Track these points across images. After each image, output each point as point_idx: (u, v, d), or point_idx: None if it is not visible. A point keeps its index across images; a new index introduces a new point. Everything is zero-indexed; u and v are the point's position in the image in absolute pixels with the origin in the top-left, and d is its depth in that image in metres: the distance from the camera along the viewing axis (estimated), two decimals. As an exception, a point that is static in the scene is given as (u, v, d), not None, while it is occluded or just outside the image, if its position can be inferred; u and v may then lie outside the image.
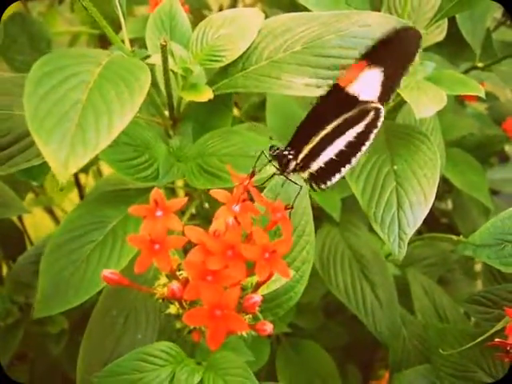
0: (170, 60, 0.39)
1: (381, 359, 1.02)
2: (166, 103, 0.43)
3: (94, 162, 0.91)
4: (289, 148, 0.35)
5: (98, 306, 0.45)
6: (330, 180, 0.36)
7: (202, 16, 1.04)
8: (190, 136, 0.44)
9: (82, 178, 0.99)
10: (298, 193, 0.38)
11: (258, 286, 0.29)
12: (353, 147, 0.35)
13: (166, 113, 0.43)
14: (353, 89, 0.35)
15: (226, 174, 0.39)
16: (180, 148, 0.43)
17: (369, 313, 0.57)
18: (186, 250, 0.29)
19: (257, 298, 0.26)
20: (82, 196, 0.99)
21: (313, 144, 0.35)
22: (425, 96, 0.42)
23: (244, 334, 0.28)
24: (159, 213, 0.27)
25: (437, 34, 0.61)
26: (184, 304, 0.28)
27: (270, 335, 0.66)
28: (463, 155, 0.77)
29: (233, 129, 0.45)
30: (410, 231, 0.41)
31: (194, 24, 0.44)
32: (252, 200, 0.31)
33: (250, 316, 0.29)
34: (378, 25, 0.39)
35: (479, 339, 0.44)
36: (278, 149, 0.35)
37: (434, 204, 0.43)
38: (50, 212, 1.03)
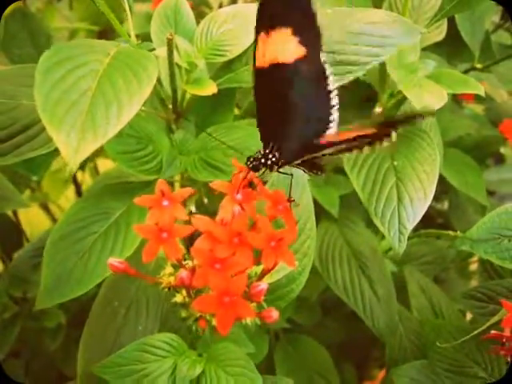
0: (175, 54, 0.39)
1: (375, 359, 1.02)
2: (170, 97, 0.43)
3: (91, 158, 0.92)
4: (266, 151, 0.33)
5: (99, 296, 0.45)
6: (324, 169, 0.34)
7: (201, 13, 1.05)
8: (193, 130, 0.44)
9: (79, 175, 0.99)
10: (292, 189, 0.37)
11: (262, 274, 0.29)
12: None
13: (170, 106, 0.44)
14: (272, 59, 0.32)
15: (229, 167, 0.40)
16: (183, 141, 0.43)
17: (367, 308, 0.57)
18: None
19: (263, 285, 0.27)
20: (78, 193, 0.98)
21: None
22: (426, 93, 0.43)
23: (249, 322, 0.28)
24: (165, 203, 0.27)
25: (436, 34, 0.62)
26: (191, 292, 0.29)
27: (269, 330, 0.67)
28: (461, 155, 0.78)
29: (235, 123, 0.45)
30: (410, 226, 0.41)
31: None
32: (252, 187, 0.31)
33: (255, 305, 0.29)
34: (382, 22, 0.40)
35: (475, 332, 0.44)
36: (253, 159, 0.33)
37: (430, 204, 0.44)
38: (46, 209, 1.03)
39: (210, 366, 0.37)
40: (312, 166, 0.34)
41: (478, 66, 0.77)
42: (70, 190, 1.05)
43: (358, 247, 0.60)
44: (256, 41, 0.32)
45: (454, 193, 0.85)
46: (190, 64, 0.41)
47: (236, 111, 0.76)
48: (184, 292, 0.29)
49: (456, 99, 0.93)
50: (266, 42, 0.32)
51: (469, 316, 0.77)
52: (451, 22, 0.66)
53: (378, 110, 0.57)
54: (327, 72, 0.33)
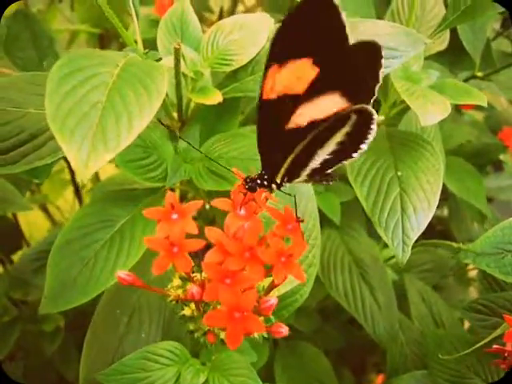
0: (181, 63, 0.39)
1: (373, 364, 1.02)
2: (175, 105, 0.43)
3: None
4: (263, 173, 0.33)
5: (101, 304, 0.45)
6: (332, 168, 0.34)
7: (203, 18, 1.05)
8: (198, 138, 0.44)
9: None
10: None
11: (270, 288, 0.30)
12: (348, 143, 0.32)
13: (175, 114, 0.44)
14: (306, 117, 0.31)
15: (234, 176, 0.40)
16: (188, 149, 0.43)
17: (368, 316, 0.58)
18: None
19: (273, 300, 0.27)
20: (77, 194, 0.98)
21: (288, 163, 0.33)
22: (430, 104, 0.43)
23: (256, 335, 0.28)
24: (175, 216, 0.27)
25: (439, 43, 0.62)
26: (200, 306, 0.29)
27: (268, 337, 0.66)
28: (461, 162, 0.78)
29: (240, 132, 0.45)
30: (414, 236, 0.41)
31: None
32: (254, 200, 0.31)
33: (262, 318, 0.29)
34: (386, 34, 0.40)
35: (477, 345, 0.45)
36: (250, 180, 0.33)
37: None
38: (45, 210, 1.03)
39: (214, 375, 0.37)
40: (320, 179, 0.34)
41: (479, 74, 0.77)
42: (68, 192, 1.05)
43: (359, 255, 0.61)
44: (266, 72, 0.30)
45: (454, 200, 0.86)
46: (196, 73, 0.41)
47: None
48: (192, 305, 0.29)
49: (456, 106, 0.94)
50: (276, 75, 0.30)
51: (467, 324, 0.77)
52: (452, 31, 0.66)
53: (380, 118, 0.57)
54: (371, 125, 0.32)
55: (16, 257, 0.84)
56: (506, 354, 0.40)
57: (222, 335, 0.30)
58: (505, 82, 0.89)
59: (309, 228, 0.39)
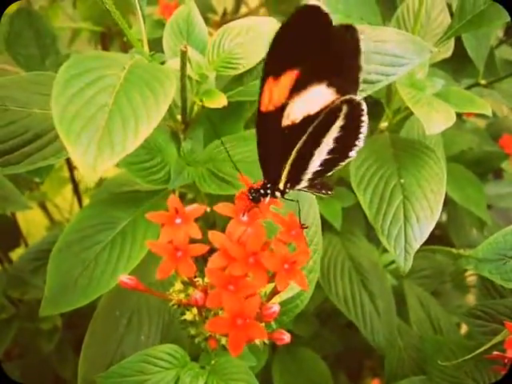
0: (187, 65, 0.39)
1: (370, 368, 1.03)
2: (179, 107, 0.43)
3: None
4: (265, 181, 0.33)
5: (101, 306, 0.45)
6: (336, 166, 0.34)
7: (207, 19, 1.05)
8: (201, 141, 0.44)
9: (77, 174, 0.99)
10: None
11: (272, 294, 0.29)
12: (345, 140, 0.32)
13: (179, 117, 0.44)
14: (296, 116, 0.31)
15: (237, 180, 0.40)
16: (191, 152, 0.43)
17: (367, 322, 0.58)
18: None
19: (276, 307, 0.27)
20: (76, 192, 0.98)
21: (287, 170, 0.33)
22: (435, 113, 0.43)
23: (257, 341, 0.28)
24: (178, 220, 0.27)
25: (443, 51, 0.62)
26: (202, 312, 0.29)
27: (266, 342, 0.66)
28: (462, 170, 0.78)
29: (244, 135, 0.45)
30: (417, 245, 0.41)
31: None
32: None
33: (263, 324, 0.29)
34: (394, 41, 0.40)
35: (477, 352, 0.45)
36: (254, 190, 0.32)
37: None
38: (43, 208, 1.03)
39: (213, 379, 0.37)
40: (321, 187, 0.34)
41: (482, 82, 0.77)
42: (67, 190, 1.05)
43: (359, 261, 0.61)
44: (262, 85, 0.30)
45: (453, 206, 0.86)
46: (201, 76, 0.41)
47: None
48: (194, 310, 0.29)
49: (457, 113, 0.94)
50: (273, 88, 0.30)
51: (464, 328, 0.77)
52: (456, 38, 0.66)
53: (383, 124, 0.57)
54: (361, 117, 0.32)
55: (14, 255, 0.84)
56: (506, 361, 0.40)
57: (224, 341, 0.30)
58: (508, 90, 0.89)
59: (310, 234, 0.39)
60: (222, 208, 0.30)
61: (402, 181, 0.44)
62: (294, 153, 0.32)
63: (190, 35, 0.43)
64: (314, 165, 0.33)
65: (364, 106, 0.31)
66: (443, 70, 0.74)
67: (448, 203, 0.85)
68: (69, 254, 0.39)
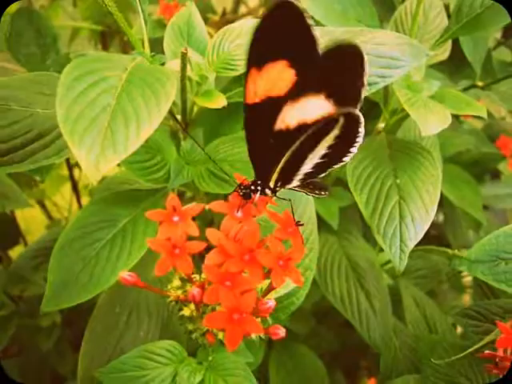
0: (187, 66, 0.40)
1: (364, 368, 1.03)
2: (179, 107, 0.44)
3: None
4: (256, 179, 0.34)
5: (101, 302, 0.46)
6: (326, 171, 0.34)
7: (206, 19, 1.06)
8: (201, 140, 0.45)
9: (76, 172, 1.00)
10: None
11: (268, 290, 0.30)
12: (340, 145, 0.32)
13: (179, 117, 0.44)
14: (292, 122, 0.32)
15: (235, 179, 0.40)
16: (190, 152, 0.44)
17: (363, 320, 0.58)
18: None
19: (271, 302, 0.28)
20: (75, 189, 0.99)
21: (279, 169, 0.33)
22: (431, 115, 0.43)
23: (253, 336, 0.29)
24: (176, 218, 0.28)
25: (440, 53, 0.63)
26: (199, 307, 0.29)
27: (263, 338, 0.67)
28: (459, 171, 0.79)
29: (242, 135, 0.46)
30: (411, 244, 0.42)
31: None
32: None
33: (259, 319, 0.30)
34: (390, 44, 0.41)
35: (469, 350, 0.45)
36: (244, 187, 0.33)
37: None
38: (42, 205, 1.03)
39: (210, 375, 0.37)
40: (314, 188, 0.35)
41: (479, 83, 0.78)
42: (66, 188, 1.05)
43: (356, 260, 0.61)
44: (246, 78, 0.31)
45: (450, 206, 0.86)
46: (201, 77, 0.41)
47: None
48: (192, 306, 0.30)
49: (455, 114, 0.94)
50: (257, 79, 0.31)
51: (460, 328, 0.78)
52: (454, 40, 0.67)
53: (380, 125, 0.58)
54: (358, 128, 0.32)
55: (13, 253, 0.85)
56: (497, 360, 0.41)
57: (221, 336, 0.31)
58: (505, 91, 0.89)
59: (306, 232, 0.40)
60: (216, 205, 0.31)
61: (398, 181, 0.45)
62: (286, 155, 0.32)
63: (191, 37, 0.44)
64: (307, 167, 0.33)
65: (362, 120, 0.32)
66: (440, 72, 0.75)
67: (445, 204, 0.86)
68: (70, 251, 0.40)
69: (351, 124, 0.32)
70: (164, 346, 0.38)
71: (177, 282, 0.31)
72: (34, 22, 0.84)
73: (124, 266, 0.39)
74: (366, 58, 0.31)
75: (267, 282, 0.31)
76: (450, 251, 0.51)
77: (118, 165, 0.47)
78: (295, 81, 0.31)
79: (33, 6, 0.89)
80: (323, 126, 0.31)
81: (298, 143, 0.32)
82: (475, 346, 0.44)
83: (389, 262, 0.70)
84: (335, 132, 0.31)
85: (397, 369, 0.62)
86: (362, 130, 0.32)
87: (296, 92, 0.31)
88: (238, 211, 0.30)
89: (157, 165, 0.42)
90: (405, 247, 0.42)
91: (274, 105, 0.32)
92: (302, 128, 0.32)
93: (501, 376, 0.43)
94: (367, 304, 0.59)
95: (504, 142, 0.92)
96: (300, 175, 0.34)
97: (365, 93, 0.32)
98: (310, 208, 0.44)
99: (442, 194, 0.74)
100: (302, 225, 0.31)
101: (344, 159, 0.33)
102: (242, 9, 1.15)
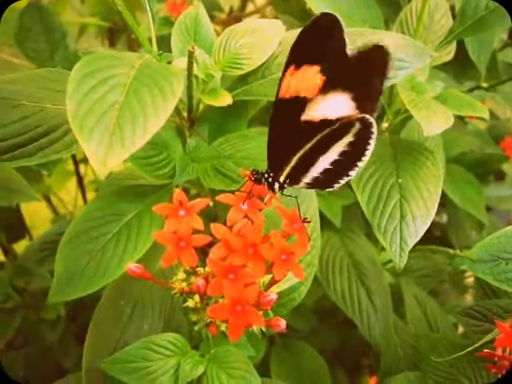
0: (194, 64, 0.41)
1: (366, 366, 1.04)
2: (186, 104, 0.44)
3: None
4: (269, 171, 0.35)
5: (106, 295, 0.47)
6: (338, 183, 0.36)
7: (213, 17, 1.06)
8: (206, 138, 0.46)
9: (82, 167, 1.01)
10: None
11: (270, 284, 0.31)
12: (350, 155, 0.35)
13: (185, 114, 0.45)
14: (316, 115, 0.33)
15: (241, 176, 0.41)
16: (196, 149, 0.45)
17: (364, 318, 0.59)
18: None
19: (273, 295, 0.28)
20: (80, 186, 1.00)
21: (292, 164, 0.35)
22: (433, 115, 0.44)
23: (255, 329, 0.30)
24: (182, 212, 0.29)
25: (445, 54, 0.63)
26: (204, 299, 0.30)
27: (265, 334, 0.68)
28: (462, 172, 0.79)
29: (247, 133, 0.46)
30: (412, 242, 0.43)
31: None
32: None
33: (261, 313, 0.30)
34: (395, 46, 0.41)
35: (468, 349, 0.46)
36: (256, 172, 0.35)
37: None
38: (47, 200, 1.04)
39: (212, 367, 0.38)
40: (322, 185, 0.36)
41: (484, 84, 0.78)
42: (71, 183, 1.06)
43: (358, 258, 0.62)
44: (285, 72, 0.33)
45: (453, 207, 0.87)
46: (207, 75, 0.42)
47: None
48: (196, 297, 0.31)
49: (459, 116, 0.95)
50: (293, 75, 0.33)
51: (461, 329, 0.78)
52: (458, 40, 0.67)
53: (384, 125, 0.58)
54: (371, 134, 0.34)
55: (17, 246, 0.86)
56: (496, 359, 0.42)
57: (223, 327, 0.32)
58: (510, 93, 0.90)
59: (309, 229, 0.40)
60: (223, 197, 0.31)
61: (400, 180, 0.46)
62: (300, 152, 0.34)
63: (198, 35, 0.44)
64: (316, 170, 0.35)
65: (375, 128, 0.33)
66: (445, 72, 0.75)
67: (448, 205, 0.86)
68: (77, 244, 0.41)
69: (365, 131, 0.33)
70: (168, 338, 0.39)
71: (181, 275, 0.32)
72: (42, 17, 0.85)
73: (129, 260, 0.40)
74: (390, 62, 0.33)
75: (270, 276, 0.31)
76: (451, 251, 0.51)
77: (125, 161, 0.48)
78: (323, 84, 0.33)
79: (42, 2, 0.90)
80: (339, 127, 0.33)
81: (313, 141, 0.34)
82: (475, 345, 0.45)
83: (390, 260, 0.71)
84: (349, 138, 0.34)
85: (397, 366, 0.63)
86: (373, 139, 0.34)
87: (323, 91, 0.33)
88: (244, 204, 0.31)
89: (163, 161, 0.43)
90: (405, 245, 0.42)
91: (299, 103, 0.33)
92: (323, 124, 0.34)
93: (499, 376, 0.43)
94: (368, 301, 0.60)
95: (509, 144, 0.92)
96: (308, 177, 0.35)
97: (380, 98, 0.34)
98: (313, 206, 0.44)
99: (445, 195, 0.75)
100: (309, 222, 0.32)
101: (350, 173, 0.35)
102: (249, 7, 1.16)
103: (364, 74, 0.33)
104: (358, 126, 0.33)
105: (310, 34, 0.32)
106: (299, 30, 0.36)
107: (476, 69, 0.73)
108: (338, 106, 0.33)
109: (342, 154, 0.34)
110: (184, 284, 0.31)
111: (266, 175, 0.35)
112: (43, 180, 0.97)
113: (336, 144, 0.34)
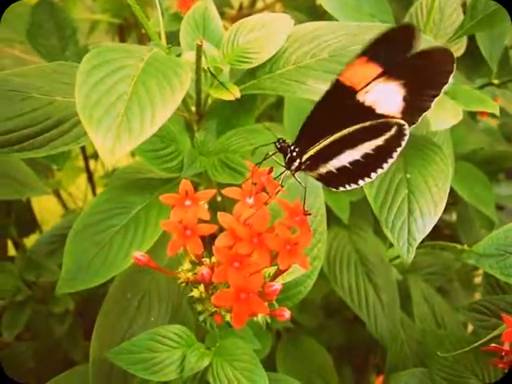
0: (202, 58, 0.41)
1: (373, 365, 1.03)
2: (194, 98, 0.45)
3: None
4: (294, 145, 0.35)
5: (114, 287, 0.47)
6: (344, 187, 0.36)
7: (223, 13, 1.07)
8: (214, 132, 0.46)
9: (92, 163, 1.01)
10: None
11: (276, 275, 0.31)
12: (372, 161, 0.35)
13: (193, 108, 0.45)
14: (367, 99, 0.34)
15: (248, 170, 0.41)
16: (204, 142, 0.45)
17: (370, 314, 0.59)
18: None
19: (277, 285, 0.29)
20: (90, 181, 1.00)
21: (319, 147, 0.35)
22: (442, 110, 0.44)
23: (260, 319, 0.30)
24: (188, 202, 0.29)
25: (455, 49, 0.63)
26: (209, 288, 0.30)
27: (271, 329, 0.68)
28: (472, 169, 0.79)
29: (255, 128, 0.47)
30: (419, 238, 0.42)
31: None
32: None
33: (266, 303, 0.30)
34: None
35: (475, 345, 0.46)
36: (284, 141, 0.35)
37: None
38: (57, 196, 1.05)
39: (217, 360, 0.38)
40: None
41: (496, 81, 0.77)
42: (81, 178, 1.07)
43: (365, 254, 0.62)
44: (355, 59, 0.33)
45: (463, 205, 0.86)
46: (216, 69, 0.42)
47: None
48: (201, 287, 0.31)
49: (471, 113, 0.94)
50: (361, 66, 0.33)
51: (470, 328, 0.78)
52: (470, 37, 0.67)
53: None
54: (402, 142, 0.35)
55: (28, 240, 0.86)
56: (503, 354, 0.42)
57: (228, 317, 0.32)
58: (523, 91, 0.89)
59: (315, 223, 0.41)
60: (230, 191, 0.32)
61: (408, 176, 0.45)
62: (331, 138, 0.34)
63: (206, 29, 0.45)
64: (335, 163, 0.35)
65: (405, 141, 0.34)
66: (456, 69, 0.75)
67: (458, 202, 0.86)
68: (85, 236, 0.41)
69: (397, 137, 0.34)
70: (174, 330, 0.39)
71: (187, 265, 0.32)
72: (54, 14, 0.86)
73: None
74: (453, 66, 0.34)
75: (275, 268, 0.32)
76: (458, 246, 0.51)
77: (133, 154, 0.48)
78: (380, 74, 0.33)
79: (54, -1, 0.90)
80: (377, 126, 0.34)
81: (349, 129, 0.34)
82: (481, 341, 0.45)
83: (398, 256, 0.70)
84: (379, 141, 0.34)
85: (404, 363, 0.63)
86: (400, 148, 0.34)
87: (386, 75, 0.33)
88: (250, 198, 0.32)
89: (171, 154, 0.43)
90: (413, 240, 0.42)
91: (350, 95, 0.33)
92: (367, 112, 0.34)
93: (506, 370, 0.43)
94: (375, 297, 0.60)
95: (521, 142, 0.91)
96: (325, 168, 0.35)
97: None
98: (320, 200, 0.44)
99: (455, 193, 0.74)
100: (309, 214, 0.32)
101: (360, 182, 0.35)
102: (259, 3, 1.16)
103: (425, 74, 0.34)
104: (393, 131, 0.34)
105: (392, 37, 0.32)
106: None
107: (487, 65, 0.73)
108: (389, 99, 0.34)
109: (365, 156, 0.34)
110: (189, 274, 0.32)
111: (292, 147, 0.35)
112: (54, 175, 0.98)
113: (366, 143, 0.34)
